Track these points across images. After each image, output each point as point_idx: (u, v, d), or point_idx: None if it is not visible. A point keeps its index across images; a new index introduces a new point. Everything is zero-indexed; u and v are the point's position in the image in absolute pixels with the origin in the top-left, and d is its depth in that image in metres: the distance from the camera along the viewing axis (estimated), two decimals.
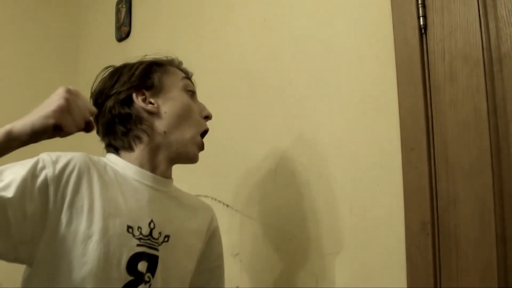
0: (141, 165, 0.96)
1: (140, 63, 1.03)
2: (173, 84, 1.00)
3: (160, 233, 0.93)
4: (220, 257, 1.11)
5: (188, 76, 1.06)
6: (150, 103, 0.97)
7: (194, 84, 1.07)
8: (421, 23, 0.97)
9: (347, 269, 1.06)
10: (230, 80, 1.44)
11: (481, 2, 0.89)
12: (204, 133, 1.01)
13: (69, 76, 2.27)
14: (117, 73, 1.03)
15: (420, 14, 0.97)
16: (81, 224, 0.84)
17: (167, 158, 0.97)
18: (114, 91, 0.99)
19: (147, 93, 0.98)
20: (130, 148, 0.97)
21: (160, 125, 0.96)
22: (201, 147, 1.00)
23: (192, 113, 0.99)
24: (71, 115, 0.75)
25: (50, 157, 0.86)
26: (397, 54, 1.00)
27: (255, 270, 1.27)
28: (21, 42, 2.15)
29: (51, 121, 0.73)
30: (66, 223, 0.83)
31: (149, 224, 0.92)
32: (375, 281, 1.00)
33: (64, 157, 0.87)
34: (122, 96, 0.98)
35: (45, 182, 0.83)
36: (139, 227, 0.90)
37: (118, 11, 2.01)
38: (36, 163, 0.84)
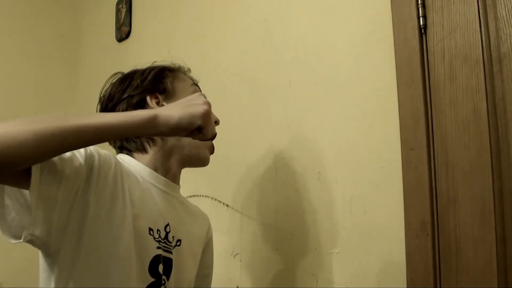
0: (155, 168, 0.96)
1: (151, 68, 1.04)
2: (184, 89, 1.01)
3: (173, 237, 0.94)
4: (210, 265, 1.12)
5: (195, 83, 1.07)
6: (163, 106, 0.97)
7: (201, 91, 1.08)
8: (421, 23, 0.97)
9: (346, 269, 1.06)
10: (230, 80, 1.44)
11: (481, 2, 0.89)
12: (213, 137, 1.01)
13: (69, 76, 2.27)
14: (128, 78, 1.03)
15: (420, 14, 0.97)
16: (115, 221, 0.83)
17: (179, 161, 0.98)
18: (126, 95, 0.99)
19: (160, 97, 0.99)
20: (143, 150, 0.97)
21: None
22: (212, 150, 1.02)
23: None
24: (210, 122, 0.79)
25: (95, 148, 0.84)
26: (397, 54, 1.00)
27: (255, 270, 1.27)
28: (21, 42, 2.15)
29: (199, 122, 0.77)
30: (103, 214, 0.82)
31: (165, 227, 0.93)
32: (375, 281, 1.00)
33: (103, 152, 0.86)
34: (135, 99, 0.98)
35: (93, 164, 0.81)
36: (158, 230, 0.91)
37: (118, 11, 2.01)
38: (85, 150, 0.81)
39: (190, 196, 1.45)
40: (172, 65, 1.07)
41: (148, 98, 0.98)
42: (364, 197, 1.05)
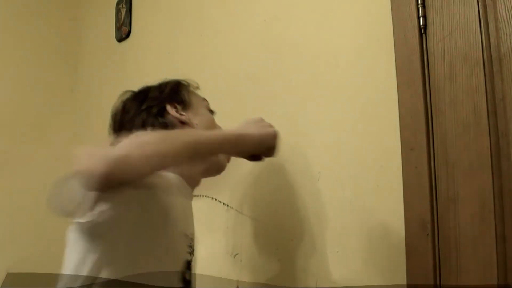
0: (181, 174, 0.97)
1: (167, 82, 1.08)
2: (198, 103, 1.06)
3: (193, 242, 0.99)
4: None
5: (205, 99, 1.11)
6: (182, 115, 1.02)
7: None
8: (421, 23, 0.97)
9: (346, 269, 1.06)
10: (230, 80, 1.44)
11: (481, 2, 0.89)
12: None
13: (69, 76, 2.27)
14: (143, 92, 1.06)
15: (420, 14, 0.97)
16: (159, 223, 0.85)
17: (202, 170, 1.01)
18: (145, 107, 1.01)
19: (178, 106, 1.02)
20: None
21: None
22: (229, 159, 1.05)
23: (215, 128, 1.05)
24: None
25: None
26: (397, 54, 1.00)
27: (255, 270, 1.27)
28: (21, 42, 2.15)
29: (275, 142, 0.85)
30: (149, 214, 0.83)
31: (192, 233, 0.97)
32: (375, 280, 1.00)
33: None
34: (155, 109, 1.01)
35: None
36: (189, 234, 0.95)
37: (118, 11, 2.01)
38: None
39: None
40: (184, 80, 1.11)
41: (168, 107, 1.01)
42: (364, 197, 1.05)
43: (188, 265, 0.93)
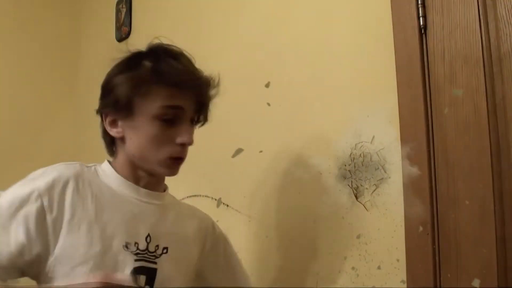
0: (126, 176, 0.95)
1: (121, 65, 0.99)
2: (147, 111, 0.91)
3: (157, 246, 0.94)
4: (231, 260, 1.11)
5: (174, 102, 0.91)
6: (117, 126, 0.94)
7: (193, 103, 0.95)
8: (421, 23, 0.97)
9: (347, 269, 1.06)
10: (230, 80, 1.43)
11: (481, 2, 0.89)
12: (176, 158, 0.94)
13: (69, 76, 2.27)
14: (107, 76, 1.00)
15: (420, 14, 0.97)
16: (79, 247, 0.85)
17: (146, 172, 0.95)
18: (99, 98, 0.98)
19: (116, 115, 0.93)
20: (113, 154, 0.98)
21: (128, 147, 0.94)
22: (171, 168, 0.94)
23: (159, 143, 0.91)
24: None
25: (38, 188, 0.87)
26: (397, 54, 1.00)
27: (255, 270, 1.27)
28: (21, 42, 2.15)
29: None
30: (64, 245, 0.85)
31: (146, 238, 0.92)
32: (375, 281, 1.00)
33: (51, 178, 0.88)
34: (99, 110, 0.97)
35: (42, 214, 0.85)
36: (136, 243, 0.91)
37: (118, 11, 2.01)
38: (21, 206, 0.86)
39: (190, 196, 1.45)
40: (162, 70, 0.95)
41: (103, 116, 0.97)
42: (364, 197, 1.05)
43: (141, 271, 0.90)
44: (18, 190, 0.88)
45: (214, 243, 1.07)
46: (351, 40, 1.12)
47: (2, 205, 0.85)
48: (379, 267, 1.00)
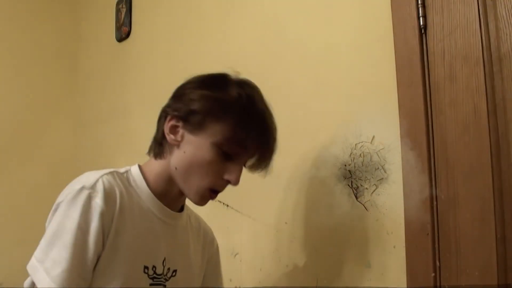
0: (157, 188, 0.93)
1: (214, 85, 0.92)
2: (213, 135, 0.88)
3: (169, 268, 0.94)
4: (218, 272, 1.12)
5: (240, 138, 0.88)
6: (177, 133, 0.91)
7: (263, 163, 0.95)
8: (421, 23, 0.97)
9: (347, 269, 1.06)
10: None
11: (481, 2, 0.89)
12: (214, 191, 0.93)
13: (69, 76, 2.27)
14: (182, 84, 0.96)
15: (420, 14, 0.97)
16: (111, 263, 0.84)
17: (178, 189, 0.94)
18: (166, 103, 0.95)
19: (181, 123, 0.90)
20: (160, 155, 0.94)
21: (176, 158, 0.91)
22: (204, 200, 0.93)
23: (208, 170, 0.89)
24: None
25: (97, 194, 0.84)
26: (397, 54, 1.00)
27: (255, 270, 1.27)
28: (21, 42, 2.15)
29: None
30: (104, 260, 0.84)
31: (163, 262, 0.92)
32: (375, 281, 1.00)
33: (105, 189, 0.85)
34: (162, 111, 0.95)
35: (101, 223, 0.83)
36: (154, 266, 0.90)
37: (118, 11, 2.01)
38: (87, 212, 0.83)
39: None
40: (250, 111, 0.92)
41: (168, 117, 0.93)
42: (364, 197, 1.05)
43: None
44: None
45: (211, 255, 1.09)
46: (351, 40, 1.12)
47: None
48: (379, 267, 1.00)
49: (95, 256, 0.81)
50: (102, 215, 0.82)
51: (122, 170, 0.94)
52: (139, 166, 0.96)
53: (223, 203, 1.38)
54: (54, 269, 0.78)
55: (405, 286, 0.94)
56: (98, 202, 0.83)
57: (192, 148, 0.89)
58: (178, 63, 1.65)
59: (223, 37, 1.48)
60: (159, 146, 0.94)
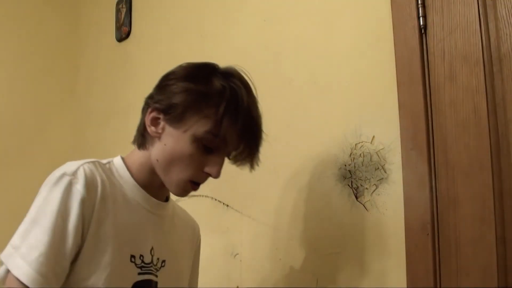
0: (140, 178, 0.93)
1: (197, 77, 0.93)
2: (194, 128, 0.87)
3: (158, 258, 0.93)
4: (197, 267, 1.11)
5: (223, 133, 0.86)
6: (158, 125, 0.90)
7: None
8: (421, 23, 0.97)
9: (347, 269, 1.06)
10: None
11: (481, 2, 0.90)
12: (195, 183, 0.92)
13: (69, 76, 2.27)
14: (167, 74, 0.95)
15: (420, 14, 0.97)
16: (96, 253, 0.83)
17: (159, 180, 0.93)
18: (154, 89, 0.94)
19: (162, 116, 0.90)
20: (143, 146, 0.94)
21: (157, 150, 0.91)
22: (185, 192, 0.92)
23: (188, 163, 0.88)
24: None
25: (78, 179, 0.83)
26: (397, 54, 1.00)
27: (255, 270, 1.27)
28: (21, 42, 2.15)
29: None
30: (87, 250, 0.82)
31: (151, 251, 0.92)
32: (375, 281, 1.00)
33: (86, 176, 0.84)
34: (144, 103, 0.95)
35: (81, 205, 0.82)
36: (141, 255, 0.89)
37: (118, 11, 2.01)
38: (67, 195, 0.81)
39: (191, 196, 1.45)
40: (232, 99, 0.90)
41: (149, 109, 0.93)
42: (364, 197, 1.05)
43: (144, 284, 0.88)
44: None
45: (196, 250, 1.09)
46: (351, 40, 1.12)
47: None
48: (379, 267, 1.00)
49: (74, 243, 0.79)
50: (83, 202, 0.81)
51: (104, 161, 0.93)
52: (122, 158, 0.95)
53: (223, 203, 1.38)
54: (30, 254, 0.76)
55: (405, 286, 0.94)
56: (79, 188, 0.81)
57: (172, 140, 0.89)
58: (178, 63, 1.64)
59: (223, 37, 1.48)
60: (142, 137, 0.94)
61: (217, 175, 0.90)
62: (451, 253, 0.89)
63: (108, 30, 2.04)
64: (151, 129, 0.91)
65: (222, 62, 1.46)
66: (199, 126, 0.86)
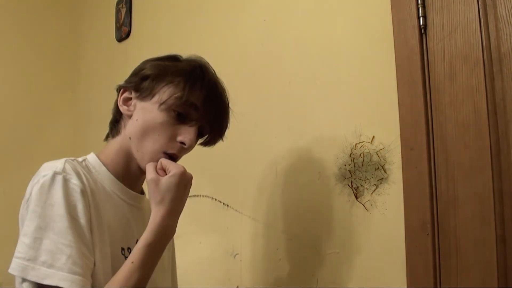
0: (117, 170, 0.93)
1: (160, 60, 0.97)
2: (163, 98, 0.90)
3: None
4: (174, 257, 1.12)
5: (193, 99, 0.90)
6: (130, 104, 0.94)
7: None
8: (421, 23, 0.97)
9: (346, 269, 1.06)
10: (230, 80, 1.43)
11: (481, 2, 0.90)
12: (170, 155, 0.91)
13: (69, 76, 2.27)
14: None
15: (420, 14, 0.97)
16: (99, 243, 0.83)
17: (137, 167, 0.93)
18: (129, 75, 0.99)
19: (133, 94, 0.94)
20: (116, 133, 0.96)
21: (129, 127, 0.92)
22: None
23: (160, 132, 0.89)
24: None
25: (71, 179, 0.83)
26: (397, 54, 1.00)
27: (255, 270, 1.27)
28: (21, 42, 2.15)
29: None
30: (94, 240, 0.83)
31: (136, 243, 0.91)
32: (375, 281, 1.00)
33: (74, 170, 0.85)
34: (118, 87, 0.99)
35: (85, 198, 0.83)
36: (128, 248, 0.90)
37: (118, 11, 2.01)
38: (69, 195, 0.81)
39: (190, 196, 1.45)
40: (182, 67, 0.95)
41: (121, 91, 0.98)
42: (364, 197, 1.05)
43: None
44: None
45: (172, 241, 1.09)
46: (351, 40, 1.12)
47: None
48: (379, 267, 1.00)
49: (89, 233, 0.80)
50: (83, 193, 0.81)
51: (79, 159, 0.94)
52: (95, 154, 0.96)
53: (223, 203, 1.38)
54: (56, 259, 0.75)
55: (405, 286, 0.94)
56: (74, 182, 0.82)
57: (143, 113, 0.91)
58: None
59: (223, 37, 1.48)
60: (115, 124, 0.97)
61: (190, 144, 0.91)
62: (451, 253, 0.89)
63: (108, 30, 2.04)
64: (123, 108, 0.94)
65: (222, 62, 1.47)
66: (169, 93, 0.90)
